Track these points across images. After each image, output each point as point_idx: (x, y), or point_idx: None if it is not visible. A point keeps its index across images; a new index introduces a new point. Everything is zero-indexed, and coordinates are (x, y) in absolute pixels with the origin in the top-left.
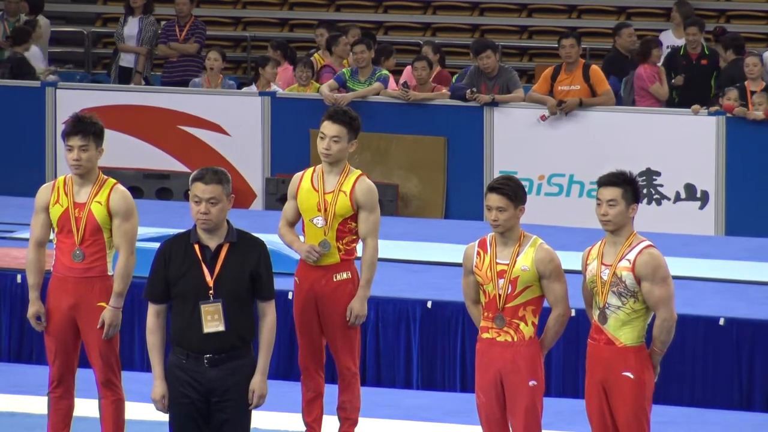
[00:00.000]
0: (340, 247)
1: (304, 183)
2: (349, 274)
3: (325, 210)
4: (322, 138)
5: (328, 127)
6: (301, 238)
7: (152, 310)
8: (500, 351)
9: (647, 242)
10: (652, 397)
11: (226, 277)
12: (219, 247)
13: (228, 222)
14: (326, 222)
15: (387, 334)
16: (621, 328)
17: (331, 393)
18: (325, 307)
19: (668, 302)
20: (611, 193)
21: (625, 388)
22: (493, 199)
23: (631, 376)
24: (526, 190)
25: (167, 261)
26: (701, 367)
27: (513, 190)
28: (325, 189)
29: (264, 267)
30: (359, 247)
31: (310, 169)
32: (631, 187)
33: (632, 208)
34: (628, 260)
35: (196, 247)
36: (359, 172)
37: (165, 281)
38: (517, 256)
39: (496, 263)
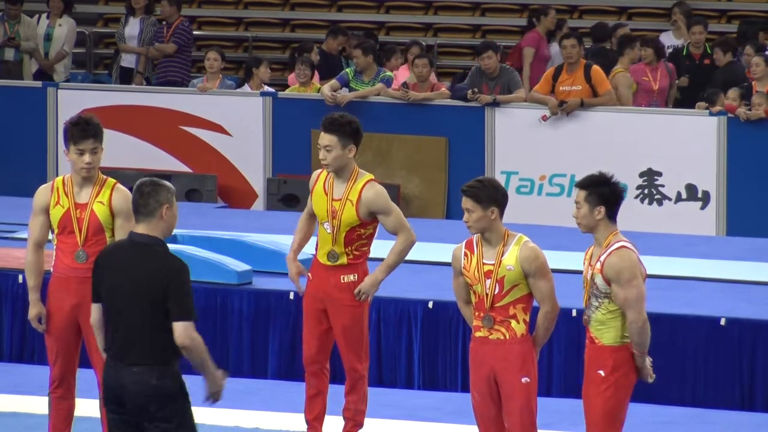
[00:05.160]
0: (349, 252)
1: (318, 186)
2: (357, 276)
3: (333, 217)
4: (318, 148)
5: (321, 137)
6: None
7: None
8: (492, 349)
9: (621, 243)
10: (628, 398)
11: None
12: None
13: None
14: (333, 229)
15: (388, 334)
16: (600, 328)
17: (337, 393)
18: (332, 308)
19: (634, 304)
20: (575, 195)
21: (594, 385)
22: (463, 201)
23: (602, 374)
24: (528, 190)
25: None
26: (702, 368)
27: (481, 192)
28: (334, 196)
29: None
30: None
31: (326, 172)
32: (597, 190)
33: (598, 210)
34: (600, 262)
35: None
36: (368, 177)
37: None
38: (502, 255)
39: (483, 263)
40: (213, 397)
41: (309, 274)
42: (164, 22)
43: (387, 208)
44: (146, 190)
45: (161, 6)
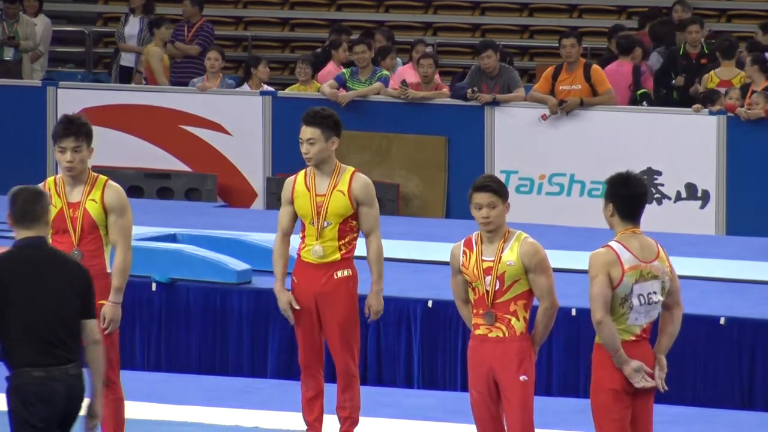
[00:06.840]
0: (342, 245)
1: (298, 186)
2: (350, 272)
3: (318, 213)
4: (300, 142)
5: (303, 131)
6: (294, 238)
7: None
8: (492, 347)
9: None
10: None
11: None
12: None
13: None
14: (318, 225)
15: (388, 333)
16: None
17: (330, 392)
18: (326, 305)
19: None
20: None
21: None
22: (482, 197)
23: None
24: (527, 189)
25: None
26: (702, 367)
27: (499, 186)
28: (317, 191)
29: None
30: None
31: (302, 172)
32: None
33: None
34: None
35: None
36: (352, 168)
37: None
38: (502, 252)
39: (482, 260)
40: (94, 421)
41: (294, 278)
42: (186, 21)
43: (373, 200)
44: (29, 197)
45: (183, 6)
